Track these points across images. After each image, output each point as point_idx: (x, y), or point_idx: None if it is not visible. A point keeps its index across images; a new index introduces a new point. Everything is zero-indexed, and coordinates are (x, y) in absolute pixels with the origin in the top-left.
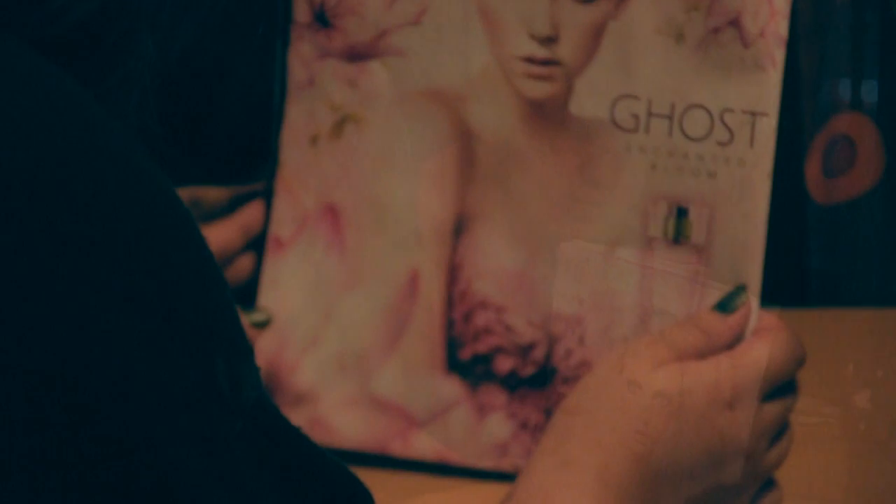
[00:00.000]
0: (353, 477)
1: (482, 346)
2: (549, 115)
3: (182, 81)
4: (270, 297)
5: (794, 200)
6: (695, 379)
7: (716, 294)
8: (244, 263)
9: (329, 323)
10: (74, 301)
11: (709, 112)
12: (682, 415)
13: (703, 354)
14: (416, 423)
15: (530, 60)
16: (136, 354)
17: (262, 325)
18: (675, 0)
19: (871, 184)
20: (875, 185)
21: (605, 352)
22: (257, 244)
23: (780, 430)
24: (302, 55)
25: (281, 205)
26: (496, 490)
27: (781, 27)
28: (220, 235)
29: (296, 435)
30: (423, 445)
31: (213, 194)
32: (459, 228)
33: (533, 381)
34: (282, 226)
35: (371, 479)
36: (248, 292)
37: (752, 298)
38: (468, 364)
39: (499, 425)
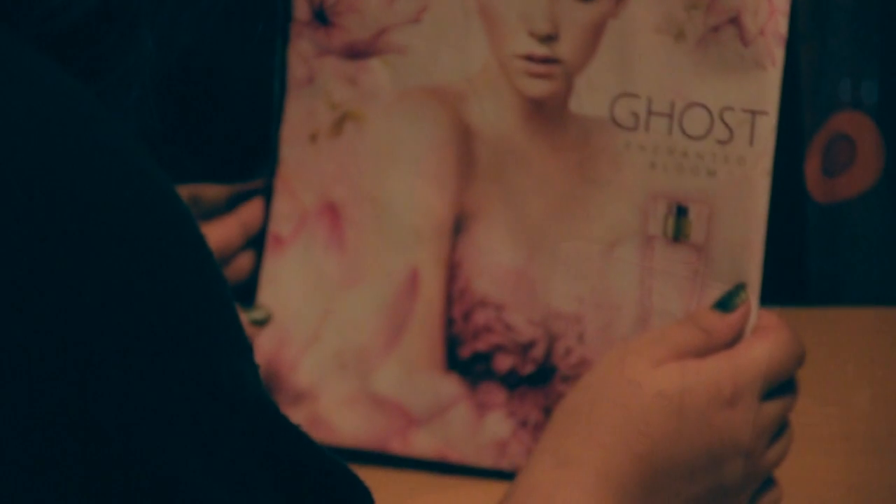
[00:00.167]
0: (352, 475)
1: (482, 345)
2: (548, 113)
3: (181, 79)
4: (270, 294)
5: (794, 199)
6: (694, 378)
7: (715, 293)
8: (243, 261)
9: (328, 321)
10: (71, 298)
11: (708, 110)
12: (682, 414)
13: (702, 353)
14: (416, 422)
15: (530, 58)
16: (133, 353)
17: (262, 323)
18: None
19: (870, 183)
20: (875, 183)
21: (605, 350)
22: (257, 242)
23: (779, 429)
24: (301, 53)
25: (280, 202)
26: (495, 488)
27: (781, 25)
28: (219, 233)
29: (295, 433)
30: (423, 444)
31: (213, 192)
32: (459, 226)
33: (532, 379)
34: (281, 223)
35: (370, 477)
36: (247, 290)
37: (752, 297)
38: (468, 362)
39: (498, 424)
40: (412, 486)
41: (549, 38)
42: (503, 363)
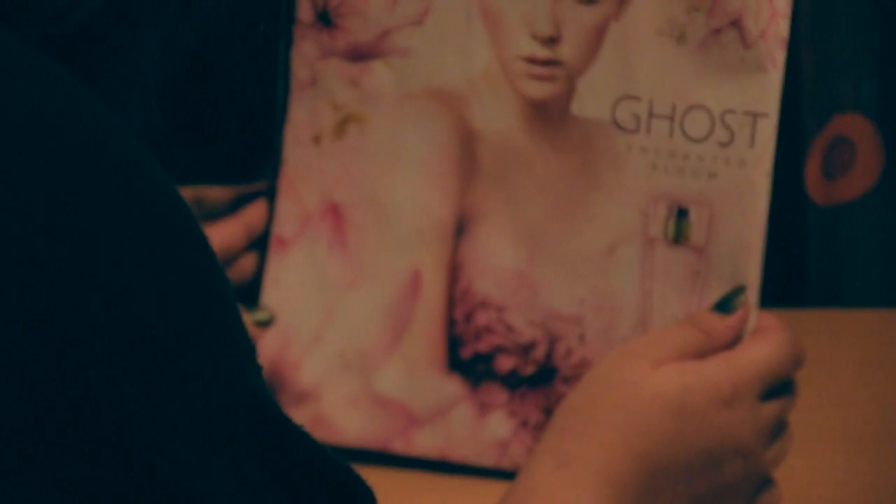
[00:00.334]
0: (354, 475)
1: (483, 345)
2: (550, 115)
3: (185, 80)
4: (273, 295)
5: (794, 201)
6: (694, 378)
7: (715, 294)
8: (247, 262)
9: (331, 321)
10: (73, 299)
11: (710, 113)
12: (682, 414)
13: (702, 354)
14: (418, 422)
15: (532, 61)
16: (136, 354)
17: (265, 324)
18: (676, 1)
19: (870, 185)
20: (874, 186)
21: (606, 351)
22: (260, 243)
23: (778, 430)
24: (305, 54)
25: (283, 204)
26: (496, 488)
27: (782, 28)
28: (223, 234)
29: (297, 433)
30: (425, 443)
31: (217, 193)
32: (461, 228)
33: (533, 380)
34: (284, 225)
35: (373, 476)
36: (250, 291)
37: (752, 299)
38: (469, 363)
39: (499, 424)
40: (414, 486)
41: (551, 41)
42: (504, 364)
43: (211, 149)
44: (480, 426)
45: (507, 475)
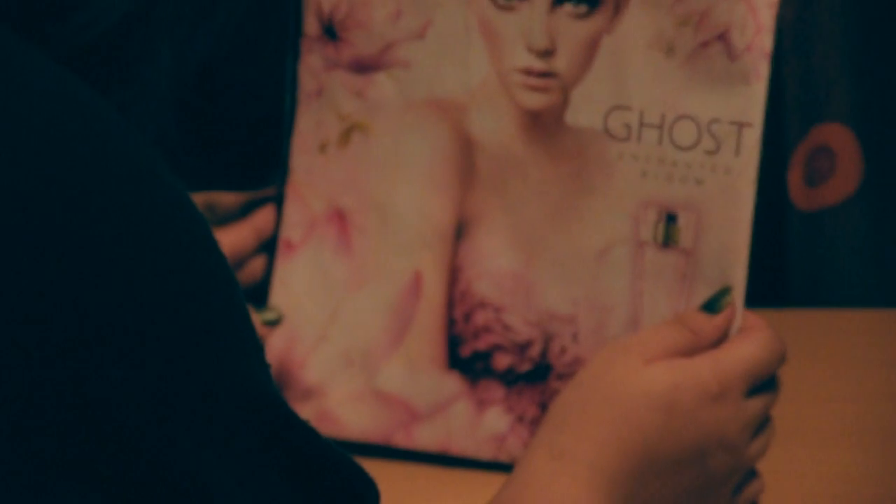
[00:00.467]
0: (358, 468)
1: (481, 344)
2: (545, 124)
3: (197, 91)
4: (281, 296)
5: (777, 207)
6: (682, 375)
7: (703, 295)
8: (256, 265)
9: (336, 321)
10: (89, 300)
11: (697, 122)
12: (671, 409)
13: (690, 352)
14: (419, 417)
15: (528, 72)
16: (149, 352)
17: (273, 324)
18: (665, 15)
19: (850, 192)
20: (854, 192)
21: (598, 349)
22: (269, 246)
23: (762, 424)
24: (311, 67)
25: (291, 209)
26: (494, 480)
27: (766, 42)
28: (233, 238)
29: (303, 428)
30: (426, 437)
31: (227, 199)
32: (460, 232)
33: (529, 376)
34: (292, 229)
35: (375, 469)
36: (259, 292)
37: (737, 299)
38: (468, 361)
39: (497, 418)
40: (415, 479)
41: (546, 53)
42: (502, 361)
43: (222, 156)
44: (479, 421)
45: (504, 468)
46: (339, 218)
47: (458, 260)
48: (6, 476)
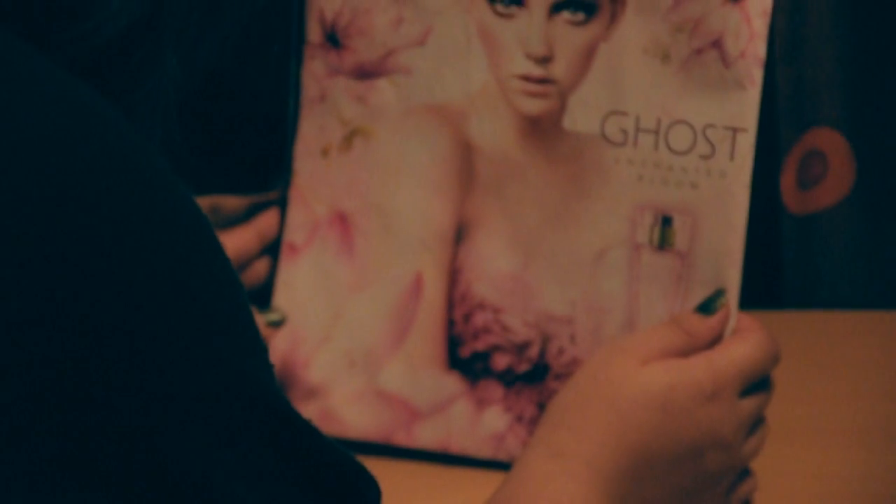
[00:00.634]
0: (360, 466)
1: (481, 345)
2: (543, 129)
3: (204, 97)
4: (284, 298)
5: (771, 210)
6: (678, 375)
7: (698, 297)
8: (260, 267)
9: (339, 322)
10: (94, 301)
11: (692, 127)
12: (667, 409)
13: (685, 353)
14: (420, 416)
15: (527, 79)
16: (155, 353)
17: (277, 325)
18: (661, 23)
19: (842, 195)
20: (846, 196)
21: (595, 350)
22: (273, 249)
23: (756, 424)
24: (314, 73)
25: (294, 212)
26: (493, 478)
27: (760, 49)
28: (237, 241)
29: (306, 427)
30: (426, 436)
31: (232, 202)
32: (460, 235)
33: (528, 377)
34: (295, 232)
35: (377, 467)
36: (263, 294)
37: (732, 301)
38: (468, 361)
39: (496, 418)
40: (416, 477)
41: (544, 60)
42: (500, 362)
43: (226, 161)
44: (478, 420)
45: (503, 466)
46: (342, 221)
47: (458, 262)
48: (13, 476)
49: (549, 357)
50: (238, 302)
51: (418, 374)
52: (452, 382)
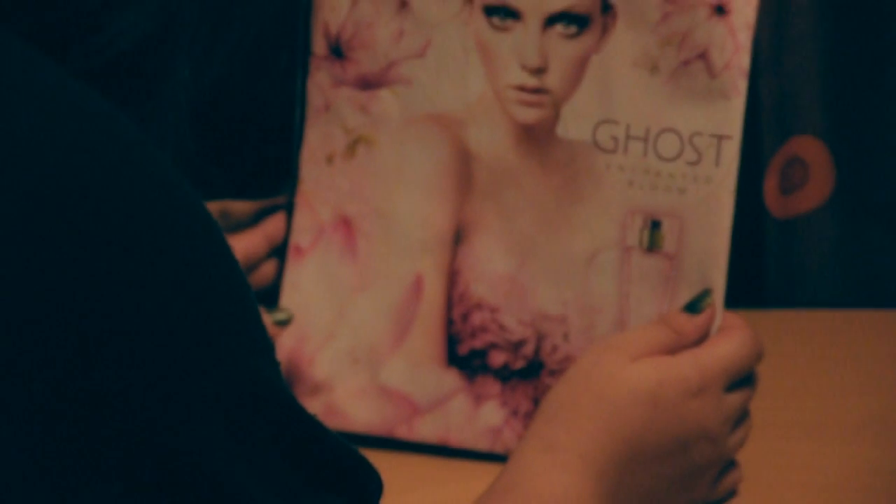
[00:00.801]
0: (363, 459)
1: (478, 343)
2: (538, 137)
3: (214, 106)
4: (291, 298)
5: (754, 214)
6: (666, 372)
7: (685, 297)
8: (268, 268)
9: (343, 321)
10: (108, 302)
11: (679, 135)
12: (655, 403)
13: (673, 350)
14: (420, 410)
15: (522, 89)
16: (166, 351)
17: (284, 324)
18: (650, 36)
19: (821, 200)
20: (825, 201)
21: (587, 347)
22: (280, 251)
23: (741, 417)
24: (319, 84)
25: (300, 216)
26: (490, 470)
27: (744, 61)
28: (245, 244)
29: (311, 422)
30: (426, 430)
31: (241, 207)
32: (458, 237)
33: (523, 373)
34: (301, 235)
35: (379, 460)
36: (271, 294)
37: (717, 300)
38: (466, 358)
39: (493, 412)
40: (417, 469)
41: (539, 71)
42: (497, 359)
43: (235, 167)
44: (475, 415)
45: (499, 458)
46: (346, 225)
47: (457, 264)
48: (25, 467)
49: (543, 354)
50: (246, 302)
51: (419, 370)
52: (451, 378)
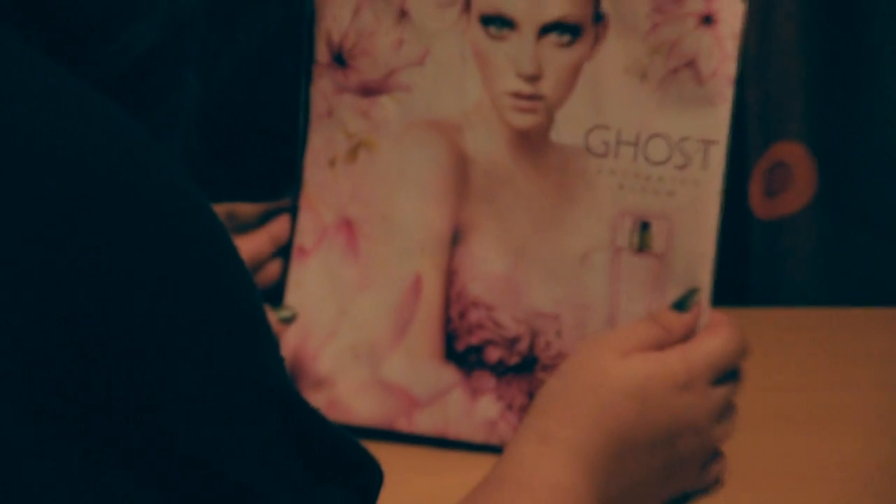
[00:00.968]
0: (364, 451)
1: (475, 339)
2: (533, 142)
3: (221, 112)
4: (295, 296)
5: (740, 216)
6: (655, 367)
7: (673, 295)
8: (273, 268)
9: (345, 319)
10: (118, 303)
11: (668, 140)
12: (644, 397)
13: (662, 346)
14: (419, 404)
15: (517, 95)
16: (175, 347)
17: (288, 321)
18: (640, 45)
19: (804, 203)
20: (808, 203)
21: (579, 344)
22: (284, 252)
23: (726, 410)
24: (322, 90)
25: (304, 218)
26: (486, 460)
27: (731, 68)
28: (251, 245)
29: (314, 415)
30: (425, 422)
31: (247, 209)
32: (456, 239)
33: (518, 368)
34: (305, 236)
35: (380, 451)
36: (276, 293)
37: (704, 299)
38: (463, 354)
39: (489, 406)
40: (416, 459)
41: (533, 78)
42: (493, 355)
43: (241, 171)
44: (472, 408)
45: (495, 450)
46: (348, 226)
47: (454, 264)
48: (33, 457)
49: (537, 350)
50: (251, 300)
51: (418, 365)
52: (449, 373)
